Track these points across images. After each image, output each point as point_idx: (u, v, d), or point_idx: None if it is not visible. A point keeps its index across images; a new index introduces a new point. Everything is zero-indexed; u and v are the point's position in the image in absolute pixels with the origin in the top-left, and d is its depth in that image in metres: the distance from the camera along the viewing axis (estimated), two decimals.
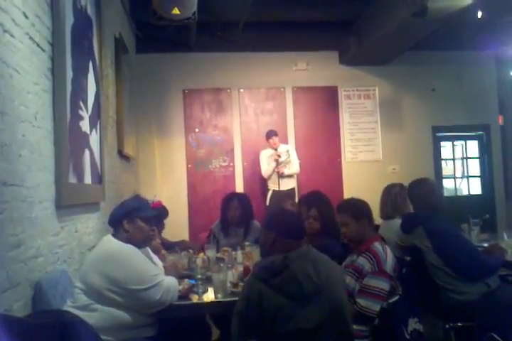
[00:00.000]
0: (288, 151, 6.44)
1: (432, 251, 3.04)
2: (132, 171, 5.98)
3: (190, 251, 3.60)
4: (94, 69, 3.64)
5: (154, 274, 2.46)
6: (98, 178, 3.65)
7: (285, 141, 6.81)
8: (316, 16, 6.38)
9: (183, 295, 2.62)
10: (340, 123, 7.18)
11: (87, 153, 3.31)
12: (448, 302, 2.99)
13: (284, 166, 6.32)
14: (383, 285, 2.50)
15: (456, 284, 2.98)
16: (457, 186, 7.80)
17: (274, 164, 6.29)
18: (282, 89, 7.08)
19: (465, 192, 7.81)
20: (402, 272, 2.76)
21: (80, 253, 3.11)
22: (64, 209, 2.73)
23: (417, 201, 3.33)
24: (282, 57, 7.03)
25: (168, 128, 6.85)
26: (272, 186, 6.35)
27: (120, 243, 2.51)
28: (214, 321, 3.44)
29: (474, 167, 7.81)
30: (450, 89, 7.34)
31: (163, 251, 3.42)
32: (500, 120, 7.60)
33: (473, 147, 7.81)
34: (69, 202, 2.79)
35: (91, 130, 3.47)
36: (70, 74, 2.90)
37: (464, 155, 7.89)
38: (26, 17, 2.29)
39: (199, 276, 2.75)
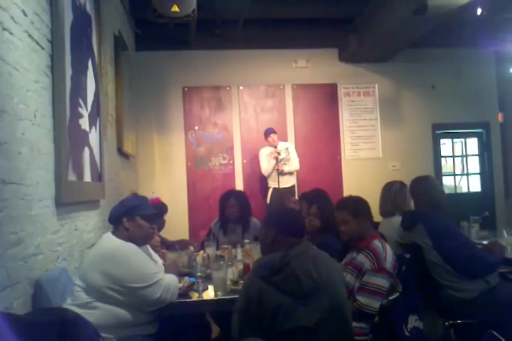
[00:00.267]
0: (287, 148, 6.44)
1: (432, 248, 3.05)
2: (132, 169, 5.98)
3: (191, 248, 3.60)
4: (93, 67, 3.64)
5: (154, 272, 2.46)
6: (98, 176, 3.65)
7: (285, 139, 6.80)
8: (316, 14, 6.36)
9: (183, 293, 2.62)
10: (340, 120, 7.17)
11: (86, 150, 3.31)
12: (448, 300, 3.00)
13: (284, 163, 6.31)
14: (383, 282, 2.50)
15: (456, 281, 2.98)
16: (457, 183, 7.80)
17: (273, 162, 6.29)
18: (282, 87, 7.08)
19: (465, 190, 7.81)
20: (402, 269, 2.76)
21: (80, 251, 3.11)
22: (64, 207, 2.73)
23: (419, 198, 3.33)
24: (282, 54, 7.02)
25: (167, 125, 6.85)
26: (272, 184, 6.35)
27: (120, 241, 2.51)
28: (214, 319, 3.44)
29: (474, 164, 7.81)
30: (450, 87, 7.33)
31: (163, 250, 3.43)
32: (500, 117, 7.59)
33: (472, 144, 7.80)
34: (69, 199, 2.79)
35: (90, 128, 3.46)
36: (69, 71, 2.89)
37: (464, 153, 7.89)
38: (25, 14, 2.29)
39: (199, 274, 2.76)
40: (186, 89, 6.89)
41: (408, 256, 3.05)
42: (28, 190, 2.22)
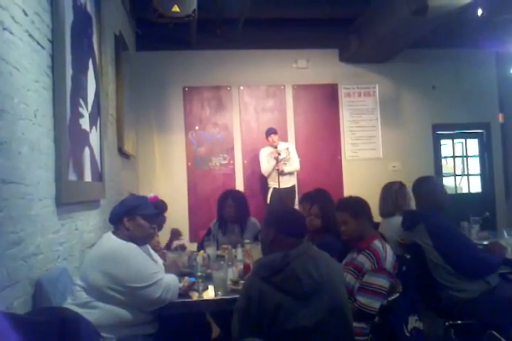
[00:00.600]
0: (288, 149, 6.44)
1: (433, 248, 3.05)
2: (132, 169, 5.98)
3: (182, 238, 3.67)
4: (94, 67, 3.64)
5: (154, 272, 2.46)
6: (98, 176, 3.65)
7: (285, 139, 6.80)
8: (317, 14, 6.36)
9: (184, 293, 2.62)
10: (341, 120, 7.17)
11: (87, 150, 3.31)
12: (448, 300, 3.00)
13: (284, 164, 6.31)
14: (383, 282, 2.50)
15: (456, 282, 2.98)
16: (457, 184, 7.80)
17: (273, 162, 6.29)
18: (282, 87, 7.08)
19: (465, 190, 7.81)
20: (402, 270, 2.76)
21: (80, 251, 3.11)
22: (64, 206, 2.73)
23: (422, 198, 3.33)
24: (282, 54, 7.01)
25: (168, 125, 6.85)
26: (272, 184, 6.35)
27: (120, 241, 2.51)
28: (214, 319, 3.44)
29: (474, 165, 7.81)
30: (450, 87, 7.33)
31: (164, 250, 3.44)
32: (501, 118, 7.59)
33: (473, 145, 7.80)
34: (69, 199, 2.78)
35: (91, 127, 3.46)
36: (69, 71, 2.89)
37: (464, 153, 7.88)
38: (26, 14, 2.29)
39: (199, 274, 2.75)
40: (187, 89, 6.89)
41: (408, 256, 3.04)
42: (28, 189, 2.22)
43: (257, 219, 4.37)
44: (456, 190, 7.74)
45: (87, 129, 3.36)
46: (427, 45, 6.86)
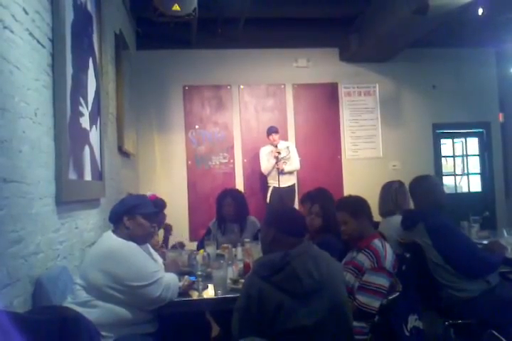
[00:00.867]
0: (288, 148, 6.43)
1: (432, 247, 3.05)
2: (132, 168, 5.98)
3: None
4: (94, 66, 3.63)
5: (154, 271, 2.46)
6: (98, 174, 3.65)
7: (285, 138, 6.79)
8: (317, 13, 6.36)
9: (183, 292, 2.63)
10: (341, 120, 7.17)
11: (87, 149, 3.31)
12: (448, 300, 3.00)
13: (284, 163, 6.31)
14: (383, 281, 2.51)
15: (456, 281, 2.98)
16: (457, 183, 7.80)
17: (273, 160, 6.29)
18: (282, 86, 7.07)
19: (465, 190, 7.80)
20: (402, 269, 2.77)
21: (81, 250, 3.11)
22: (64, 205, 2.73)
23: (419, 198, 3.33)
24: (283, 53, 7.01)
25: (168, 124, 6.85)
26: (272, 183, 6.34)
27: (120, 240, 2.51)
28: (214, 318, 3.45)
29: (474, 164, 7.81)
30: (450, 86, 7.33)
31: (163, 249, 3.45)
32: (501, 117, 7.59)
33: (473, 144, 7.80)
34: (69, 198, 2.78)
35: (91, 126, 3.46)
36: (70, 70, 2.89)
37: (464, 153, 7.88)
38: (26, 13, 2.29)
39: (199, 273, 2.76)
40: (187, 88, 6.89)
41: (408, 255, 3.05)
42: (28, 188, 2.22)
43: (257, 218, 4.38)
44: (456, 190, 7.74)
45: (87, 128, 3.36)
46: (427, 45, 6.86)
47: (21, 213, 2.13)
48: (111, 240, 2.53)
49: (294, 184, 6.51)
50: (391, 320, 2.48)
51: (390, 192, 3.79)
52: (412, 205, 3.59)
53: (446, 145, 7.72)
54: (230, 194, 4.40)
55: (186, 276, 2.80)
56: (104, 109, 3.99)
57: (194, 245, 4.62)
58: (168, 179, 6.76)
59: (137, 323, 2.43)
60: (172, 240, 4.25)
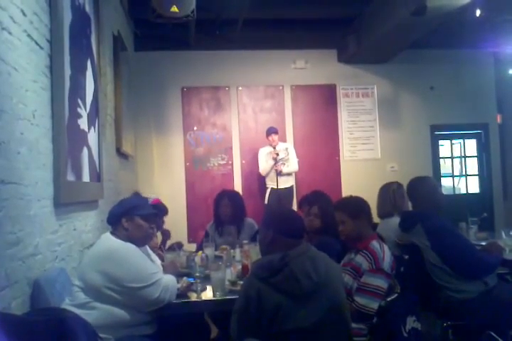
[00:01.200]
0: (287, 149, 6.44)
1: (431, 249, 3.04)
2: (130, 169, 5.98)
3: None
4: (92, 67, 3.63)
5: (153, 272, 2.46)
6: (96, 176, 3.64)
7: (283, 139, 6.79)
8: (315, 14, 6.37)
9: (182, 293, 2.62)
10: (339, 121, 7.17)
11: (85, 150, 3.31)
12: (446, 301, 3.00)
13: (283, 164, 6.31)
14: (381, 283, 2.50)
15: (454, 282, 2.98)
16: (455, 185, 7.81)
17: (272, 162, 6.28)
18: (281, 88, 7.08)
19: (463, 191, 7.81)
20: (401, 270, 2.77)
21: (79, 251, 3.11)
22: (62, 207, 2.73)
23: (417, 199, 3.32)
24: (281, 55, 7.02)
25: (166, 126, 6.85)
26: (270, 184, 6.35)
27: (119, 241, 2.51)
28: (212, 319, 3.44)
29: (472, 165, 7.82)
30: (449, 88, 7.33)
31: (161, 252, 3.44)
32: (499, 119, 7.60)
33: (471, 146, 7.81)
34: (67, 199, 2.78)
35: (89, 128, 3.46)
36: (68, 71, 2.89)
37: (462, 154, 7.89)
38: (24, 14, 2.29)
39: (198, 274, 2.75)
40: (185, 89, 6.89)
41: (406, 256, 3.05)
42: (26, 189, 2.22)
43: (255, 220, 4.37)
44: (454, 191, 7.75)
45: (86, 129, 3.36)
46: (425, 46, 6.87)
47: (19, 215, 2.13)
48: (109, 241, 2.52)
49: (292, 185, 6.52)
50: (389, 321, 2.48)
51: (388, 193, 3.79)
52: (410, 207, 3.59)
53: (444, 147, 7.73)
54: (227, 194, 4.40)
55: (185, 278, 2.79)
56: (103, 111, 3.99)
57: (192, 246, 4.61)
58: (167, 180, 6.76)
59: (135, 325, 2.43)
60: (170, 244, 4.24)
